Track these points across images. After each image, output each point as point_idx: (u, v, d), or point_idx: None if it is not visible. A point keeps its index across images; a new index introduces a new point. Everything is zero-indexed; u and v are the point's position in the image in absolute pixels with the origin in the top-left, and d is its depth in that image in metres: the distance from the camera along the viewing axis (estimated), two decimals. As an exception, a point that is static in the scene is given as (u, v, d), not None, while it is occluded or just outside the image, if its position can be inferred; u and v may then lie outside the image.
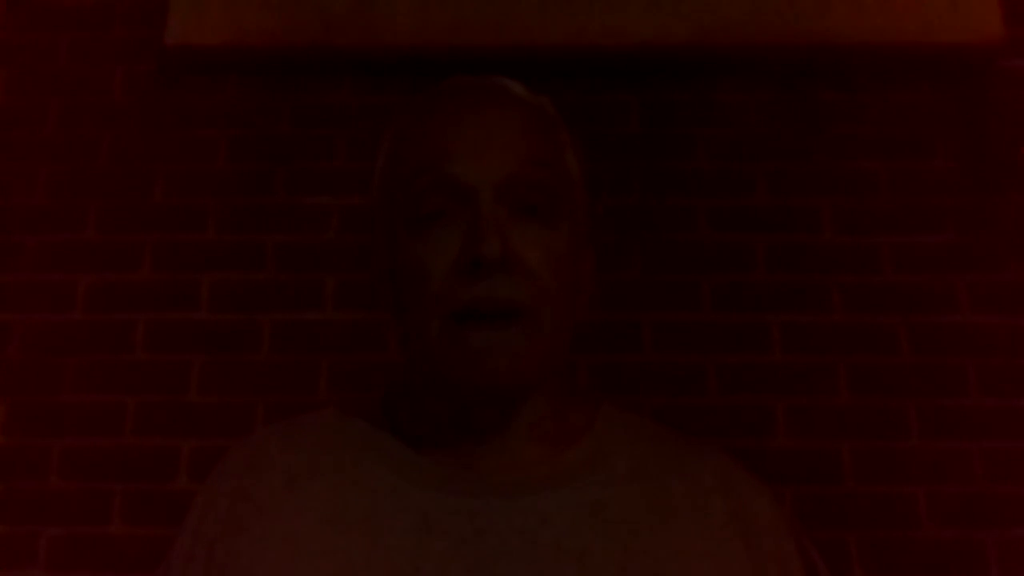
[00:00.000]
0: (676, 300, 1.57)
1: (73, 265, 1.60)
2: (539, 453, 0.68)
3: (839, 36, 1.65)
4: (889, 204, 1.62)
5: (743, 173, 1.64)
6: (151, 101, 1.71)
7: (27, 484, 1.48)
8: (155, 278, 1.60)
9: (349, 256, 1.60)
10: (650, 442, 0.72)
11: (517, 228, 0.65)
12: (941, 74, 1.69)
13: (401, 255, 0.67)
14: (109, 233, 1.62)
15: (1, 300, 1.59)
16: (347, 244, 1.61)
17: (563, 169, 0.70)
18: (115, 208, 1.64)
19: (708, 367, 1.53)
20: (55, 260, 1.61)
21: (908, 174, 1.64)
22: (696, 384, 1.52)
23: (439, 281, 0.63)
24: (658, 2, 1.67)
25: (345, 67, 1.71)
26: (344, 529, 0.63)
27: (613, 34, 1.66)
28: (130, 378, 1.54)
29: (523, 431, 0.68)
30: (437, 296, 0.63)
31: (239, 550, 0.64)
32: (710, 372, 1.53)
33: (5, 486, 1.48)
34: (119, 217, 1.63)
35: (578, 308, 0.71)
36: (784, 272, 1.58)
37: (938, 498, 1.45)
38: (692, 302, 1.57)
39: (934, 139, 1.66)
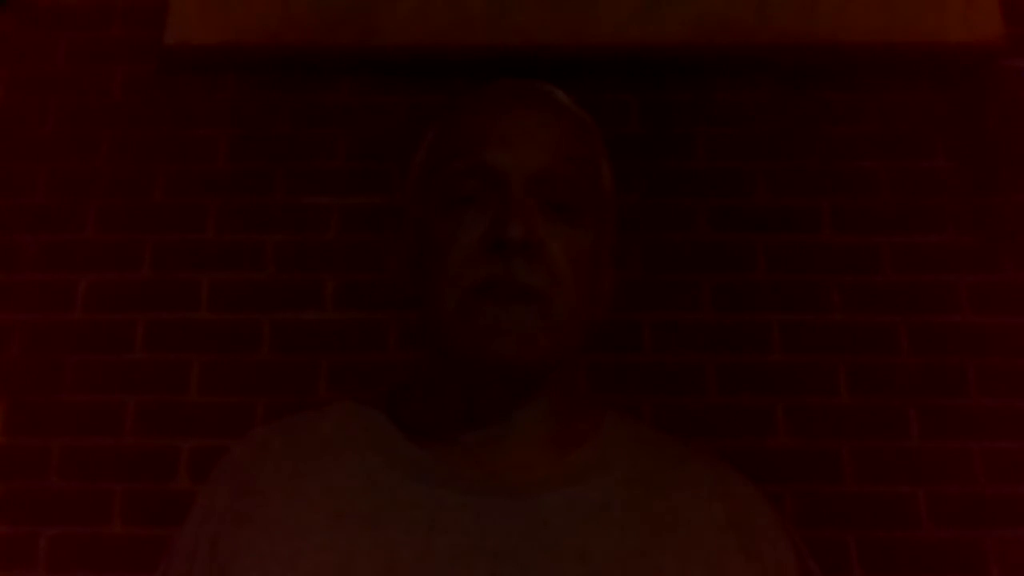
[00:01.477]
0: (676, 300, 1.57)
1: (73, 265, 1.60)
2: (545, 454, 0.68)
3: (839, 36, 1.65)
4: (889, 204, 1.62)
5: (743, 173, 1.64)
6: (151, 101, 1.70)
7: (27, 484, 1.48)
8: (155, 278, 1.60)
9: (349, 256, 1.60)
10: (653, 448, 0.73)
11: (543, 220, 0.66)
12: (941, 74, 1.69)
13: (430, 235, 0.68)
14: (109, 233, 1.62)
15: (1, 300, 1.59)
16: (347, 244, 1.61)
17: (596, 177, 0.72)
18: (115, 208, 1.64)
19: (708, 367, 1.53)
20: (55, 260, 1.61)
21: (908, 174, 1.64)
22: (696, 384, 1.52)
23: (461, 258, 0.65)
24: (658, 2, 1.67)
25: (345, 67, 1.70)
26: (348, 523, 0.63)
27: (613, 34, 1.66)
28: (130, 378, 1.53)
29: (529, 430, 0.68)
30: (458, 272, 0.65)
31: (242, 544, 0.64)
32: (710, 372, 1.53)
33: (5, 486, 1.48)
34: (119, 217, 1.63)
35: (593, 314, 0.72)
36: (784, 272, 1.58)
37: (938, 498, 1.45)
38: (692, 302, 1.57)
39: (934, 139, 1.66)
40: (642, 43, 1.66)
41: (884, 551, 1.42)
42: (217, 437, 1.49)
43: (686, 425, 1.49)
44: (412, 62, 1.69)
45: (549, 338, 0.65)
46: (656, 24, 1.66)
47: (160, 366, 1.54)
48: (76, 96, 1.71)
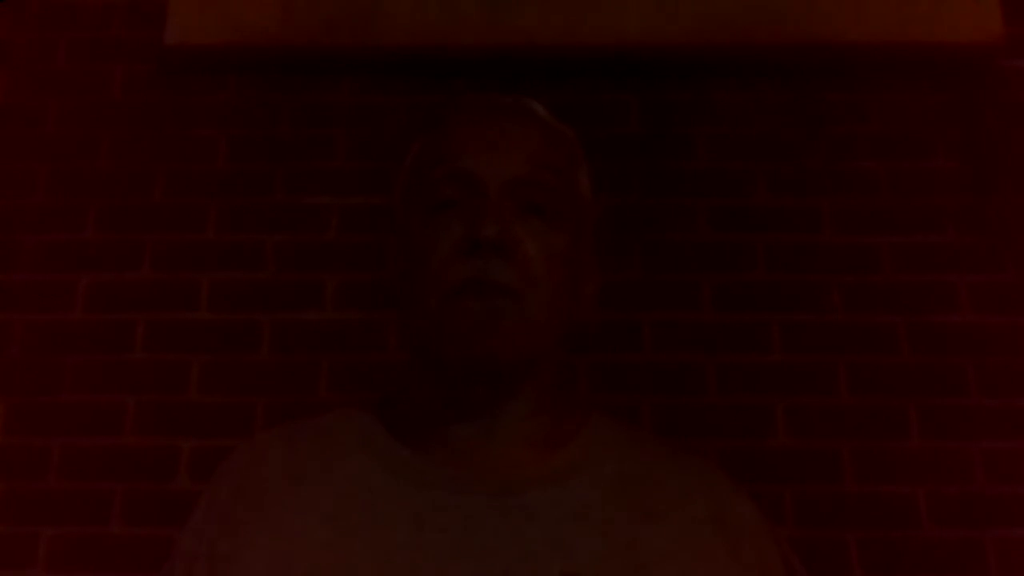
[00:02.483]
0: (676, 300, 1.57)
1: (73, 265, 1.60)
2: (531, 454, 0.70)
3: (839, 36, 1.65)
4: (889, 204, 1.62)
5: (743, 173, 1.64)
6: (151, 101, 1.71)
7: (27, 484, 1.48)
8: (155, 278, 1.60)
9: (349, 256, 1.60)
10: (638, 448, 0.74)
11: (520, 222, 0.69)
12: (941, 74, 1.69)
13: (413, 241, 0.71)
14: (109, 233, 1.62)
15: (1, 300, 1.59)
16: (347, 244, 1.61)
17: (573, 182, 0.74)
18: (115, 208, 1.64)
19: (708, 367, 1.53)
20: (55, 260, 1.61)
21: (908, 174, 1.64)
22: (696, 384, 1.52)
23: (440, 261, 0.68)
24: (658, 2, 1.67)
25: (345, 67, 1.71)
26: (342, 524, 0.65)
27: (613, 34, 1.66)
28: (130, 378, 1.54)
29: (514, 429, 0.70)
30: (437, 274, 0.67)
31: (240, 546, 0.66)
32: (710, 372, 1.53)
33: (5, 486, 1.48)
34: (119, 217, 1.63)
35: (573, 314, 0.74)
36: (784, 272, 1.58)
37: (938, 498, 1.45)
38: (692, 302, 1.57)
39: (934, 139, 1.66)
40: (642, 43, 1.66)
41: (884, 551, 1.42)
42: (217, 437, 1.49)
43: (686, 425, 1.49)
44: (412, 62, 1.69)
45: (526, 334, 0.67)
46: (656, 24, 1.66)
47: (160, 366, 1.54)
48: (76, 96, 1.71)
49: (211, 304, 1.58)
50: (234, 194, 1.64)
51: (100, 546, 1.44)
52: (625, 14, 1.67)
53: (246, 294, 1.58)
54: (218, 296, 1.58)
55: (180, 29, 1.68)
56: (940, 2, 1.66)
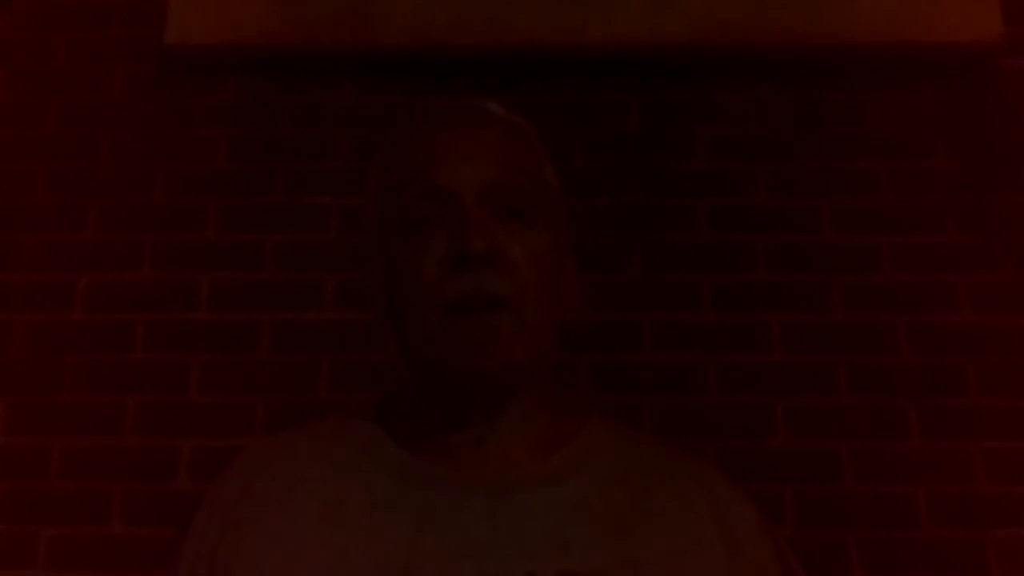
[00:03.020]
0: (676, 300, 1.57)
1: (73, 265, 1.60)
2: (528, 455, 0.70)
3: (839, 36, 1.65)
4: (889, 204, 1.62)
5: (743, 173, 1.64)
6: (151, 101, 1.70)
7: (27, 484, 1.48)
8: (155, 278, 1.60)
9: (349, 256, 1.60)
10: (637, 448, 0.75)
11: (500, 228, 0.69)
12: (941, 74, 1.69)
13: (395, 260, 0.71)
14: (109, 233, 1.62)
15: (1, 300, 1.59)
16: (347, 244, 1.61)
17: (541, 178, 0.75)
18: (115, 208, 1.64)
19: (708, 367, 1.53)
20: (55, 260, 1.61)
21: (908, 174, 1.64)
22: (696, 384, 1.52)
23: (430, 278, 0.67)
24: (658, 2, 1.67)
25: (345, 67, 1.70)
26: (342, 526, 0.66)
27: (613, 34, 1.66)
28: (130, 378, 1.54)
29: (512, 431, 0.70)
30: (430, 292, 0.67)
31: (242, 549, 0.66)
32: (710, 372, 1.53)
33: (5, 486, 1.48)
34: (119, 217, 1.63)
35: (563, 309, 0.74)
36: (784, 272, 1.58)
37: (938, 498, 1.45)
38: (692, 302, 1.57)
39: (934, 139, 1.66)
40: (642, 43, 1.66)
41: (884, 551, 1.42)
42: (217, 437, 1.49)
43: (686, 425, 1.49)
44: (412, 62, 1.69)
45: (526, 342, 0.67)
46: (656, 24, 1.66)
47: (160, 366, 1.54)
48: (76, 96, 1.71)
49: (211, 304, 1.58)
50: (234, 194, 1.64)
51: (100, 546, 1.44)
52: (625, 14, 1.67)
53: (246, 294, 1.58)
54: (218, 296, 1.58)
55: (180, 29, 1.68)
56: (940, 2, 1.66)
